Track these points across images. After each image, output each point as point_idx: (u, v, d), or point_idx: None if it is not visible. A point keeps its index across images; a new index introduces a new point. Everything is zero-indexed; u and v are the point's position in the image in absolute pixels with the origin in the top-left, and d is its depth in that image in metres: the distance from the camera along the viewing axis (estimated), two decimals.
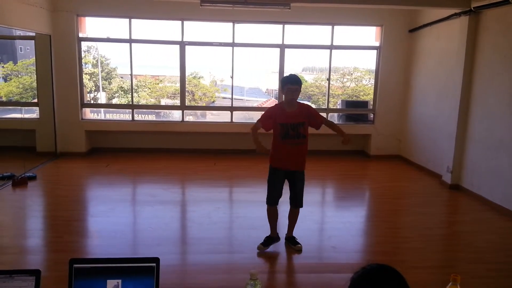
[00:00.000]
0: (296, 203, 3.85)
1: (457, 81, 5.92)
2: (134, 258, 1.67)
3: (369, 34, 7.99)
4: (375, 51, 7.95)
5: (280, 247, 4.01)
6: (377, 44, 7.90)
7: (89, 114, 8.07)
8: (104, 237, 4.13)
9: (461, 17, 5.80)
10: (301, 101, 3.97)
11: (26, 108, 8.49)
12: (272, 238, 3.90)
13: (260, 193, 4.96)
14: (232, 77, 7.83)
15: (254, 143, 3.61)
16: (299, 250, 3.84)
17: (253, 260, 3.79)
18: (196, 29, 7.73)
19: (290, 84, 3.59)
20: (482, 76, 5.56)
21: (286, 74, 8.18)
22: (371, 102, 8.27)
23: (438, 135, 6.64)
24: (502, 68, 5.15)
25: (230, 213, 5.01)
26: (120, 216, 4.77)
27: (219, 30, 7.86)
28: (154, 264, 1.66)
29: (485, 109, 5.49)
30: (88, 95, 9.38)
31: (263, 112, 3.80)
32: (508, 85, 5.03)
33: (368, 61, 8.46)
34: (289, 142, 3.64)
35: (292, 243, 3.92)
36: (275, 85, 8.08)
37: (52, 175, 6.41)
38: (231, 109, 7.92)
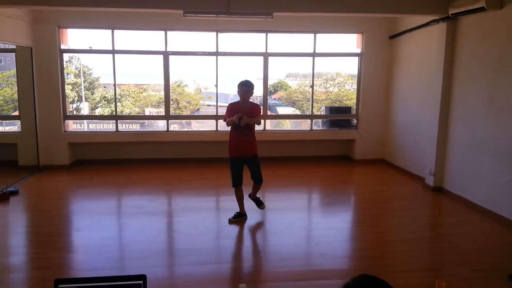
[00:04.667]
0: (257, 180, 4.87)
1: (437, 86, 6.05)
2: (120, 276, 1.66)
3: (351, 41, 8.11)
4: (356, 58, 8.07)
5: (270, 254, 4.02)
6: (358, 50, 8.02)
7: (72, 125, 7.97)
8: (90, 252, 4.07)
9: (439, 23, 5.93)
10: (253, 102, 5.11)
11: (6, 121, 8.35)
12: (241, 214, 4.85)
13: (247, 202, 4.97)
14: (216, 86, 7.85)
15: (231, 121, 4.64)
16: (263, 206, 5.04)
17: (242, 270, 3.81)
18: (179, 39, 7.72)
19: (242, 86, 4.67)
20: (462, 81, 5.69)
21: (270, 80, 8.32)
22: (355, 107, 8.38)
23: (420, 139, 6.75)
24: (480, 72, 5.29)
25: (217, 223, 4.99)
26: (106, 229, 4.71)
27: (203, 39, 7.86)
28: (141, 282, 1.65)
29: (465, 112, 5.61)
30: (70, 105, 9.27)
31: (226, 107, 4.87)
32: (486, 88, 5.16)
33: (350, 66, 8.56)
34: (239, 133, 4.67)
35: (258, 203, 5.07)
36: (259, 91, 8.12)
37: (35, 189, 6.29)
38: (216, 117, 7.92)
